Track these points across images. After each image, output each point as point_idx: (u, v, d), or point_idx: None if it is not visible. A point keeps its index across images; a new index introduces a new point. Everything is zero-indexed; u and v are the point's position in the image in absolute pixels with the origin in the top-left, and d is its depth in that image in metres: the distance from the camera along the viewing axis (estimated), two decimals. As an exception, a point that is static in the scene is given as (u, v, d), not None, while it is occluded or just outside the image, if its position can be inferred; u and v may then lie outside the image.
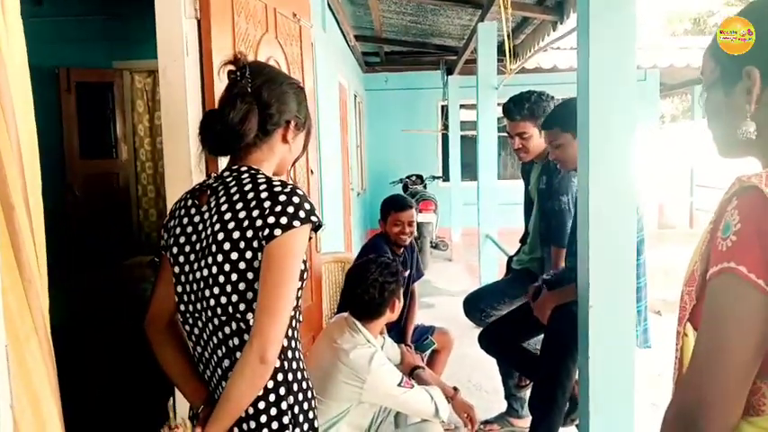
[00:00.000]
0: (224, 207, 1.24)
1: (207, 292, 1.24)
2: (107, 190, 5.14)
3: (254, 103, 1.26)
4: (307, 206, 1.20)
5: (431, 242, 7.58)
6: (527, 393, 3.06)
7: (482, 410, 3.38)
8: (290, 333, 1.27)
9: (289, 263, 1.17)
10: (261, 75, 1.31)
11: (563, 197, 2.63)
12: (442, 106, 9.73)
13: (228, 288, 1.21)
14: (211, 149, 1.30)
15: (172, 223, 1.35)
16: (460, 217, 8.46)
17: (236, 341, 1.23)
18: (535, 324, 2.44)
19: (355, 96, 7.96)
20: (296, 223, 1.17)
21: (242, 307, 1.20)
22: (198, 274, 1.26)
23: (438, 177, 9.30)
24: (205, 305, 1.25)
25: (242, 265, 1.19)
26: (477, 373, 3.88)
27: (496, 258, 5.07)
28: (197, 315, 1.28)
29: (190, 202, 1.34)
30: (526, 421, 3.11)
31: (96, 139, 5.21)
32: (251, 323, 1.18)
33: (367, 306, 2.12)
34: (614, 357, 1.98)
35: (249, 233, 1.19)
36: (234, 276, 1.20)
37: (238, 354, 1.21)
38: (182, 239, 1.31)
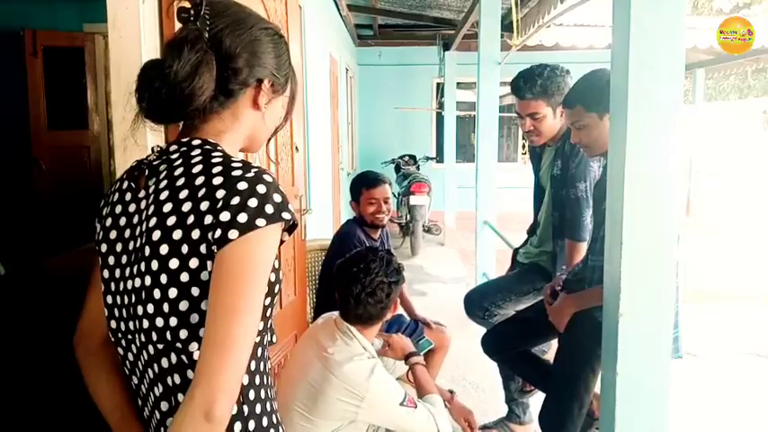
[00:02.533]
0: (163, 195, 0.91)
1: (139, 309, 0.91)
2: (77, 165, 4.77)
3: (209, 52, 0.92)
4: (276, 198, 0.88)
5: (423, 226, 7.27)
6: (531, 398, 2.80)
7: (479, 413, 3.10)
8: (252, 366, 0.95)
9: (248, 277, 0.84)
10: (223, 15, 0.96)
11: (580, 184, 2.31)
12: (438, 84, 9.36)
13: (165, 307, 0.88)
14: (150, 114, 0.96)
15: (105, 211, 1.02)
16: (454, 200, 8.15)
17: (177, 379, 0.91)
18: (548, 328, 2.15)
19: (347, 70, 7.58)
20: (259, 222, 0.85)
21: (183, 334, 0.88)
22: (129, 284, 0.93)
23: (432, 158, 8.97)
24: (138, 326, 0.93)
25: (184, 277, 0.87)
26: (473, 371, 3.61)
27: (494, 246, 4.78)
28: (130, 337, 0.96)
29: (126, 185, 1.01)
30: (528, 428, 2.85)
31: (65, 108, 4.80)
32: (196, 357, 0.86)
33: (371, 311, 1.81)
34: (647, 374, 1.69)
35: (195, 233, 0.87)
36: (172, 292, 0.88)
37: (180, 396, 0.89)
38: (112, 234, 0.98)
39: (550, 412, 2.14)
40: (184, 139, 0.96)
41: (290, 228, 0.93)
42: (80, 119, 4.89)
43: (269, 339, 1.05)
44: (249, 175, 0.88)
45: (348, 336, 1.82)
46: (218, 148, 0.96)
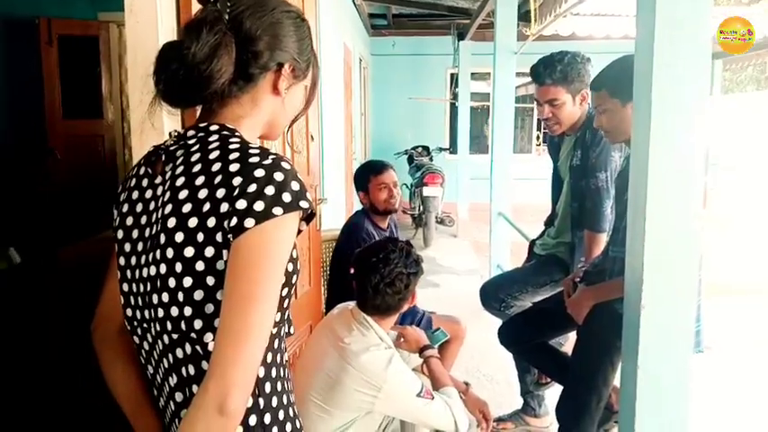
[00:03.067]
0: (180, 181, 0.89)
1: (154, 298, 0.90)
2: (91, 154, 4.78)
3: (228, 34, 0.90)
4: (294, 186, 0.85)
5: (436, 217, 7.23)
6: (546, 391, 2.77)
7: (494, 405, 3.05)
8: (269, 357, 0.94)
9: (264, 267, 0.82)
10: None
11: (600, 174, 2.26)
12: (452, 74, 9.29)
13: (180, 296, 0.87)
14: (168, 98, 0.94)
15: (122, 197, 1.01)
16: (467, 191, 8.10)
17: (192, 370, 0.89)
18: (566, 320, 2.12)
19: (360, 60, 7.54)
20: (276, 210, 0.83)
21: (198, 324, 0.86)
22: (145, 272, 0.92)
23: (445, 149, 8.91)
24: (153, 315, 0.91)
25: (199, 266, 0.85)
26: (487, 363, 3.58)
27: (509, 238, 4.74)
28: (145, 326, 0.94)
29: (143, 171, 0.99)
30: (544, 420, 2.83)
31: (80, 97, 4.79)
32: (210, 348, 0.84)
33: (389, 302, 1.80)
34: (668, 368, 1.65)
35: (211, 221, 0.84)
36: (188, 281, 0.86)
37: (195, 387, 0.88)
38: (128, 221, 0.97)
39: (568, 405, 2.11)
40: (202, 125, 0.94)
41: (308, 217, 0.90)
42: (95, 108, 4.89)
43: (286, 330, 1.04)
44: (266, 162, 0.86)
45: (365, 326, 1.81)
46: (237, 134, 0.94)
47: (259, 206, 0.82)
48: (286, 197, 0.84)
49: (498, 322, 2.73)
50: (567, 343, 2.59)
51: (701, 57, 1.55)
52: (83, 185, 4.54)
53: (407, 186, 7.92)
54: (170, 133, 0.99)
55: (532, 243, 2.81)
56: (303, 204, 0.86)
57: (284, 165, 0.87)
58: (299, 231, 0.91)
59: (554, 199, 2.66)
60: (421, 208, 7.13)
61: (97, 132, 4.87)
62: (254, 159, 0.86)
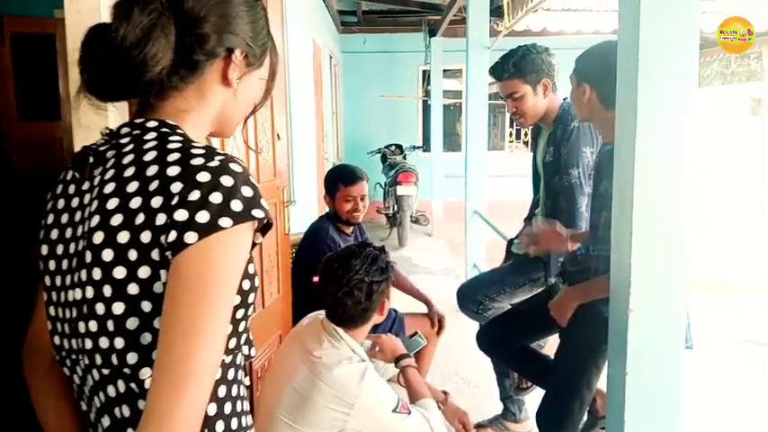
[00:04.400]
0: (109, 188, 0.76)
1: (81, 327, 0.77)
2: (49, 156, 4.54)
3: (166, 14, 0.77)
4: (246, 192, 0.73)
5: (411, 216, 7.13)
6: (527, 396, 2.69)
7: (473, 410, 2.98)
8: (221, 391, 0.81)
9: (210, 291, 0.69)
10: None
11: (573, 170, 2.21)
12: (424, 71, 9.21)
13: (110, 325, 0.74)
14: (95, 89, 0.80)
15: (48, 206, 0.87)
16: (442, 190, 8.02)
17: (127, 411, 0.76)
18: (548, 323, 2.03)
19: (331, 58, 7.40)
20: (224, 222, 0.70)
21: (132, 358, 0.74)
22: (71, 295, 0.78)
23: (418, 147, 8.82)
24: (81, 345, 0.78)
25: (132, 290, 0.72)
26: (465, 366, 3.48)
27: (484, 236, 4.66)
28: (74, 357, 0.81)
29: (70, 175, 0.85)
30: (524, 426, 2.74)
31: (37, 98, 4.57)
32: (147, 385, 0.72)
33: (351, 312, 1.68)
34: (659, 374, 1.57)
35: (145, 236, 0.72)
36: (118, 307, 0.73)
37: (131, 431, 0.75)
38: (53, 234, 0.83)
39: (549, 410, 2.03)
40: (138, 121, 0.81)
41: (265, 227, 0.78)
42: (52, 109, 4.66)
43: (246, 353, 0.91)
44: (213, 164, 0.73)
45: (335, 338, 1.69)
46: (179, 131, 0.81)
47: (203, 217, 0.70)
48: (236, 205, 0.71)
49: (476, 324, 2.64)
50: (548, 345, 2.51)
51: (689, 47, 1.47)
52: (40, 189, 4.32)
53: (381, 186, 7.81)
54: (101, 131, 0.86)
55: (510, 242, 2.72)
56: (257, 213, 0.73)
57: (234, 167, 0.74)
58: (254, 244, 0.79)
59: (535, 194, 2.58)
60: (395, 207, 7.03)
61: (55, 134, 4.63)
62: (198, 161, 0.73)
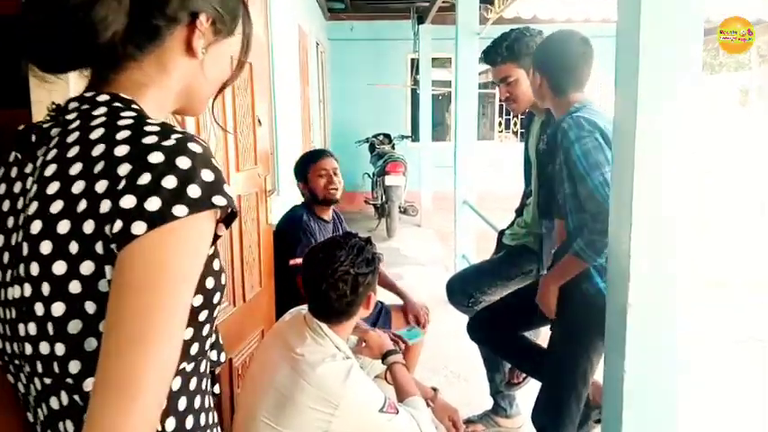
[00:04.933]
0: (50, 171, 0.66)
1: (21, 329, 0.67)
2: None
3: None
4: (206, 176, 0.63)
5: (399, 207, 7.05)
6: (518, 391, 2.62)
7: (462, 404, 2.90)
8: (181, 404, 0.72)
9: (162, 291, 0.60)
10: None
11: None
12: (413, 60, 9.08)
13: (50, 328, 0.64)
14: (37, 58, 0.70)
15: None
16: (431, 180, 7.93)
17: (71, 426, 0.67)
18: (538, 315, 1.97)
19: (317, 45, 7.26)
20: (178, 210, 0.61)
21: (75, 366, 0.64)
22: (9, 293, 0.68)
23: (407, 137, 8.71)
24: (21, 350, 0.68)
25: (74, 288, 0.62)
26: (454, 359, 3.41)
27: (474, 227, 4.59)
28: (17, 363, 0.71)
29: (12, 157, 0.75)
30: (515, 421, 2.68)
31: (5, 83, 4.41)
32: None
33: (335, 306, 1.59)
34: (659, 373, 1.50)
35: (88, 226, 0.62)
36: (58, 308, 0.63)
37: None
38: None
39: (545, 406, 1.97)
40: (88, 94, 0.71)
41: (229, 217, 0.68)
42: (21, 96, 4.50)
43: (215, 359, 0.82)
44: (168, 142, 0.63)
45: (319, 334, 1.60)
46: (134, 106, 0.71)
47: (153, 204, 0.60)
48: (193, 191, 0.62)
49: (465, 316, 2.57)
50: (539, 338, 2.44)
51: (693, 32, 1.38)
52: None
53: (369, 176, 7.70)
54: (48, 106, 0.76)
55: (501, 233, 2.64)
56: (218, 201, 0.63)
57: (193, 146, 0.64)
58: (217, 237, 0.69)
59: (526, 184, 2.49)
60: (383, 198, 6.94)
61: (25, 123, 4.48)
62: (151, 139, 0.63)
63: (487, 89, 9.86)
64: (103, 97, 0.70)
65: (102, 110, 0.69)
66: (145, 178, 0.61)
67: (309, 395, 1.49)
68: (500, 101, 2.49)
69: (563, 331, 1.93)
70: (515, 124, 9.86)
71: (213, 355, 0.85)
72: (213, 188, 0.63)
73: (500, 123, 9.96)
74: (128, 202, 0.60)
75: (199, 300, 0.70)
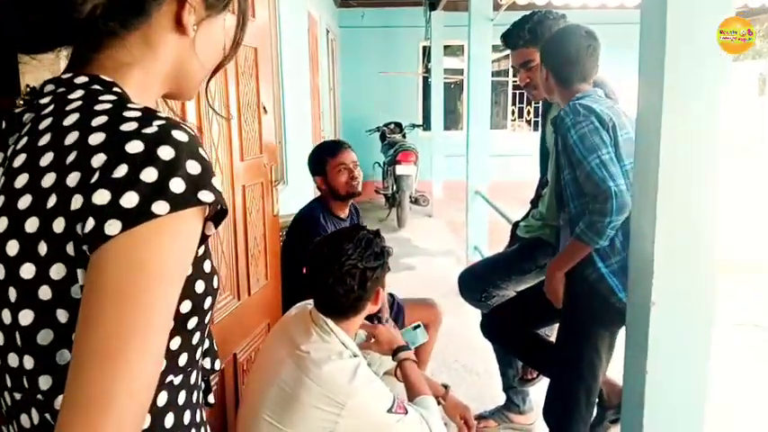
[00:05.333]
0: (18, 161, 0.59)
1: None
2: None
3: None
4: (191, 168, 0.56)
5: (410, 197, 6.95)
6: (531, 387, 2.55)
7: (474, 399, 2.86)
8: (168, 420, 0.65)
9: (139, 298, 0.53)
10: None
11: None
12: (424, 47, 8.96)
13: (18, 338, 0.58)
14: (11, 37, 0.63)
15: None
16: (442, 169, 7.83)
17: None
18: (552, 309, 1.91)
19: (327, 32, 7.16)
20: (159, 208, 0.53)
21: (45, 382, 0.58)
22: None
23: (418, 126, 8.61)
24: None
25: (44, 294, 0.56)
26: (466, 352, 3.34)
27: (486, 218, 4.50)
28: None
29: None
30: (528, 417, 2.61)
31: None
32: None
33: (342, 302, 1.52)
34: (683, 373, 1.42)
35: (58, 224, 0.55)
36: (26, 316, 0.57)
37: None
38: None
39: (552, 399, 1.92)
40: (66, 76, 0.64)
41: (219, 215, 0.61)
42: (10, 83, 4.45)
43: (209, 367, 0.76)
44: (149, 130, 0.56)
45: (325, 330, 1.53)
46: (115, 89, 0.63)
47: (129, 200, 0.53)
48: (176, 185, 0.54)
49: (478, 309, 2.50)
50: (554, 334, 2.37)
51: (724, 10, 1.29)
52: None
53: (380, 165, 7.62)
54: (22, 89, 0.69)
55: (515, 225, 2.55)
56: (204, 197, 0.56)
57: (178, 134, 0.57)
58: (206, 237, 0.62)
59: (542, 175, 2.40)
60: (394, 187, 6.84)
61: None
62: (130, 126, 0.56)
63: (500, 77, 9.72)
64: (81, 79, 0.63)
65: (79, 93, 0.62)
66: (121, 170, 0.54)
67: (314, 394, 1.43)
68: (519, 87, 2.38)
69: (566, 320, 1.91)
70: (528, 113, 9.71)
71: (206, 362, 0.79)
72: (199, 182, 0.56)
73: (513, 112, 9.82)
74: (101, 197, 0.53)
75: (187, 306, 0.63)
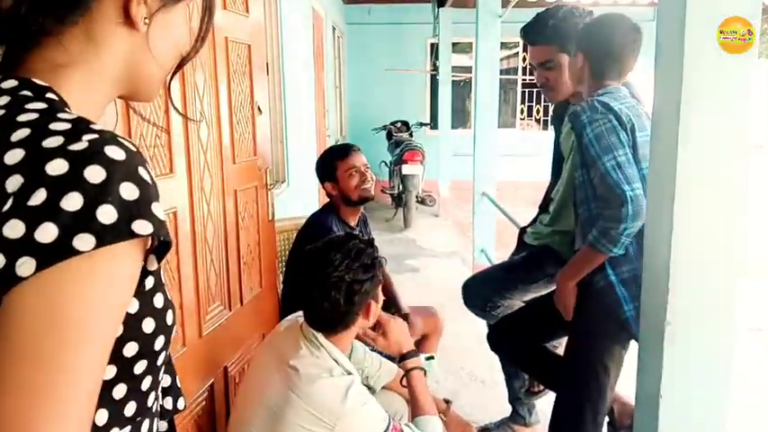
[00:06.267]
0: None
1: None
2: None
3: None
4: (127, 193, 0.48)
5: (417, 196, 6.86)
6: (538, 400, 2.45)
7: (478, 409, 2.77)
8: None
9: (56, 354, 0.44)
10: None
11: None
12: (432, 44, 8.84)
13: None
14: None
15: None
16: (449, 169, 7.71)
17: None
18: (561, 321, 1.81)
19: (334, 29, 7.06)
20: (81, 243, 0.45)
21: None
22: None
23: (425, 124, 8.50)
24: None
25: None
26: (471, 360, 3.25)
27: (493, 220, 4.39)
28: None
29: None
30: (534, 430, 2.51)
31: None
32: None
33: (328, 316, 1.43)
34: (700, 397, 1.31)
35: None
36: None
37: None
38: None
39: (557, 417, 1.82)
40: None
41: (161, 247, 0.52)
42: None
43: (170, 408, 0.67)
44: (77, 145, 0.47)
45: (314, 344, 1.44)
46: (49, 95, 0.54)
47: (46, 234, 0.44)
48: (105, 215, 0.45)
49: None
50: (561, 346, 2.26)
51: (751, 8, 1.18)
52: None
53: (386, 164, 7.52)
54: None
55: (522, 231, 2.44)
56: (140, 228, 0.47)
57: (111, 151, 0.48)
58: (146, 273, 0.53)
59: (553, 179, 2.28)
60: (400, 187, 6.75)
61: None
62: (54, 141, 0.47)
63: (509, 75, 9.58)
64: (9, 83, 0.54)
65: (4, 100, 0.53)
66: (39, 197, 0.45)
67: (301, 414, 1.34)
68: (529, 85, 2.25)
69: (574, 333, 1.81)
70: (538, 111, 9.57)
71: (168, 402, 0.70)
72: (135, 210, 0.47)
73: (522, 110, 9.68)
74: (14, 229, 0.44)
75: (132, 348, 0.54)
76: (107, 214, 0.46)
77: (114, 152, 0.48)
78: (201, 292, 1.57)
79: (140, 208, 0.48)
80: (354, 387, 1.39)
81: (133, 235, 0.47)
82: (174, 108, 0.74)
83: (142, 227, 0.47)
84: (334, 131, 6.67)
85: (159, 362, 0.59)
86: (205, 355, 1.60)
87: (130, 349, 0.54)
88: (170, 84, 0.70)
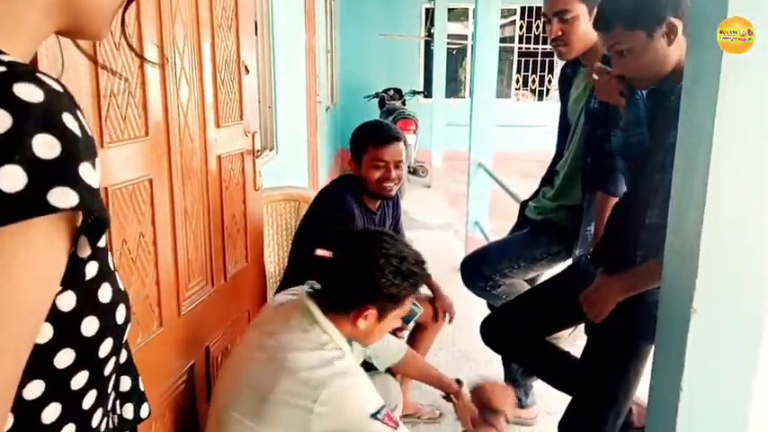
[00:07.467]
0: None
1: None
2: None
3: None
4: (41, 150, 0.33)
5: (409, 167, 6.72)
6: (536, 381, 2.36)
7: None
8: None
9: None
10: None
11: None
12: (427, 9, 8.59)
13: None
14: None
15: None
16: (442, 139, 7.55)
17: None
18: (572, 312, 1.65)
19: (326, -9, 6.79)
20: None
21: None
22: None
23: (419, 92, 8.31)
24: None
25: None
26: (464, 336, 3.14)
27: (488, 191, 4.27)
28: None
29: None
30: (530, 411, 2.43)
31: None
32: None
33: (345, 300, 1.37)
34: (724, 391, 1.21)
35: None
36: None
37: None
38: None
39: (577, 423, 1.68)
40: None
41: (96, 224, 0.39)
42: None
43: (132, 417, 0.55)
44: None
45: (308, 318, 1.36)
46: None
47: None
48: (9, 179, 0.32)
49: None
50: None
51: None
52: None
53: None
54: None
55: (524, 205, 2.31)
56: (58, 200, 0.34)
57: (23, 91, 0.34)
58: (83, 260, 0.39)
59: (559, 150, 2.14)
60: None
61: None
62: None
63: (506, 43, 9.36)
64: None
65: None
66: None
67: (284, 385, 1.25)
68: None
69: (609, 340, 1.60)
70: (534, 81, 9.38)
71: (128, 410, 0.58)
72: (55, 173, 0.33)
73: (517, 80, 9.49)
74: None
75: (67, 357, 0.42)
76: (12, 178, 0.32)
77: (27, 92, 0.34)
78: (181, 268, 1.44)
79: (63, 170, 0.34)
80: (346, 360, 1.33)
81: (49, 209, 0.33)
82: (129, 46, 0.59)
83: (62, 197, 0.34)
84: (325, 98, 6.47)
85: (107, 371, 0.47)
86: (184, 334, 1.48)
87: (64, 359, 0.42)
88: (123, 15, 0.55)
